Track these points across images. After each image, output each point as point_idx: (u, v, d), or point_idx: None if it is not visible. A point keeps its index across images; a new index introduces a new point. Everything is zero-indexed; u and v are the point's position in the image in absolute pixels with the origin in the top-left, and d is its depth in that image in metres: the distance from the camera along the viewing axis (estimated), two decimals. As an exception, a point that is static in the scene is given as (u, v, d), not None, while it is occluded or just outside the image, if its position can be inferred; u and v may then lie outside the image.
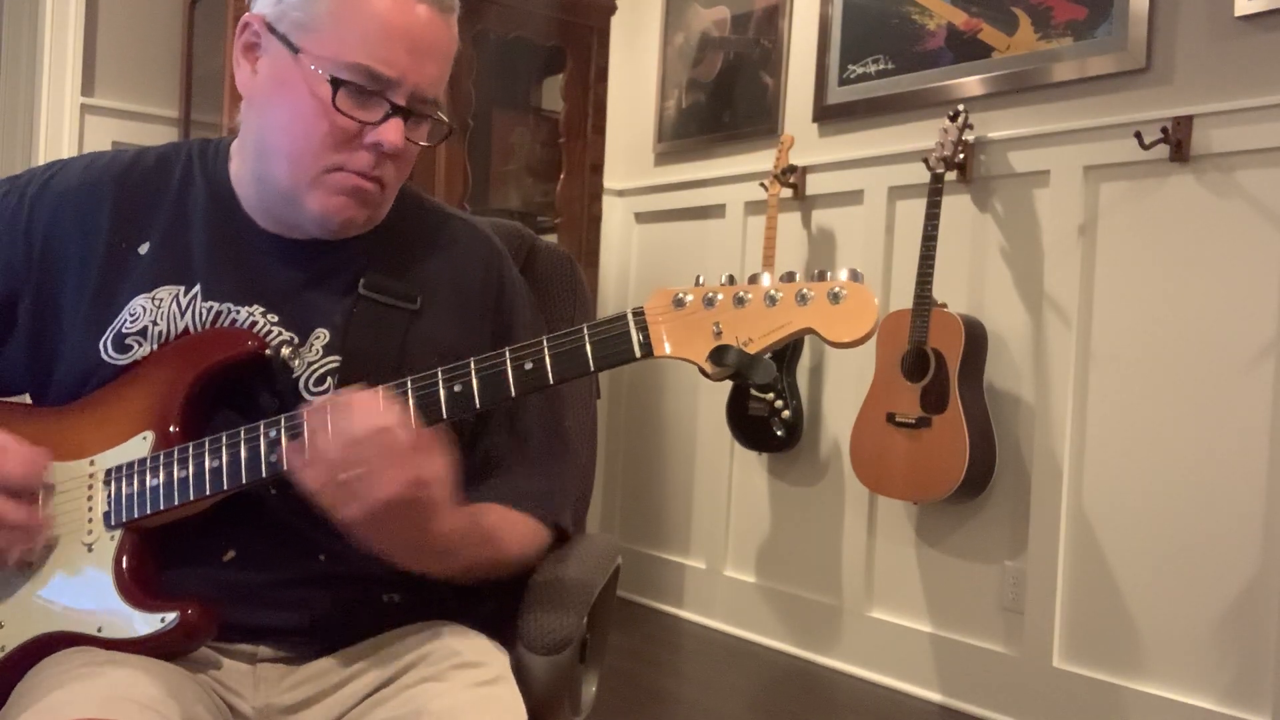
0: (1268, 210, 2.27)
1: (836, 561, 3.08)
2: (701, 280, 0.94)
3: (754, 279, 0.92)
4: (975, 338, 2.64)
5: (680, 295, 0.92)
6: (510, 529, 1.12)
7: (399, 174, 1.11)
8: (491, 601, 1.16)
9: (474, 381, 0.95)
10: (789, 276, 0.91)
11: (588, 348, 0.93)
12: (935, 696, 2.81)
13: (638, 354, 0.93)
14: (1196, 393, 2.37)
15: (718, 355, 0.90)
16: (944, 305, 2.67)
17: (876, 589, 2.99)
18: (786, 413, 3.09)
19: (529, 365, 0.94)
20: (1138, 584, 2.45)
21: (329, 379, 1.07)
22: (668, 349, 0.92)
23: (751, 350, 0.90)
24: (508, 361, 0.95)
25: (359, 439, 0.91)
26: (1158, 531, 2.42)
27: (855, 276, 0.89)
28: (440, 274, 1.16)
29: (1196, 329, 2.37)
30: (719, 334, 0.90)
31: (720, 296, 0.91)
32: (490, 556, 1.08)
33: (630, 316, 0.93)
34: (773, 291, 0.90)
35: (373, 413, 0.92)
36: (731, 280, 0.93)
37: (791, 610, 3.20)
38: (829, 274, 0.90)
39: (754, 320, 0.90)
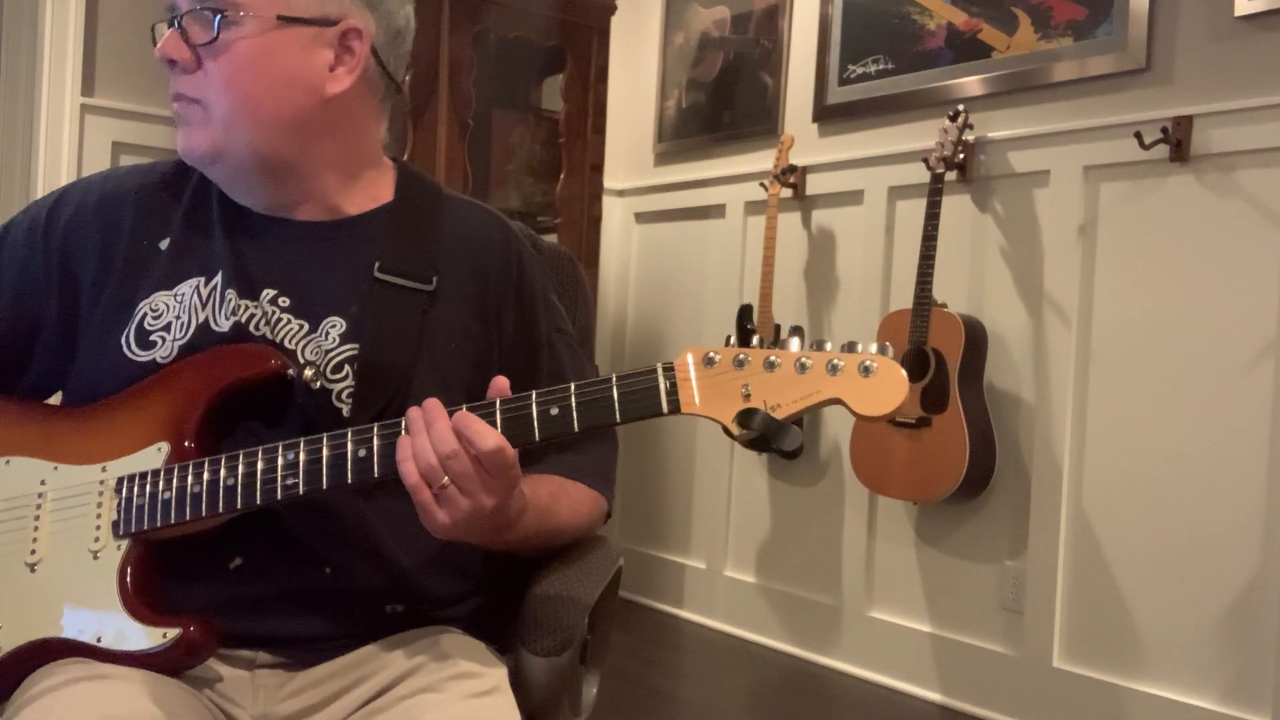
0: (1268, 210, 2.27)
1: (836, 561, 3.08)
2: (732, 340, 0.94)
3: (783, 344, 0.93)
4: (975, 338, 2.64)
5: (710, 354, 0.93)
6: (565, 498, 1.14)
7: (224, 84, 1.05)
8: (493, 604, 1.16)
9: (498, 420, 0.96)
10: (818, 345, 0.92)
11: (615, 399, 0.94)
12: (935, 696, 2.81)
13: (665, 409, 0.93)
14: (1196, 393, 2.37)
15: (744, 418, 0.91)
16: (944, 305, 2.67)
17: (876, 589, 2.99)
18: (786, 413, 3.08)
19: (554, 410, 0.95)
20: (1138, 584, 2.45)
21: (347, 367, 1.06)
22: (696, 405, 0.92)
23: (779, 416, 0.90)
24: (533, 405, 0.95)
25: (454, 452, 0.93)
26: (1158, 532, 2.42)
27: (884, 350, 0.90)
28: (457, 254, 1.16)
29: (1196, 329, 2.37)
30: (748, 396, 0.91)
31: (750, 359, 0.92)
32: (548, 527, 1.11)
33: (660, 371, 0.93)
34: (803, 359, 0.91)
35: (484, 433, 0.93)
36: (761, 342, 0.94)
37: (791, 610, 3.20)
38: (859, 345, 0.91)
39: (783, 386, 0.91)
